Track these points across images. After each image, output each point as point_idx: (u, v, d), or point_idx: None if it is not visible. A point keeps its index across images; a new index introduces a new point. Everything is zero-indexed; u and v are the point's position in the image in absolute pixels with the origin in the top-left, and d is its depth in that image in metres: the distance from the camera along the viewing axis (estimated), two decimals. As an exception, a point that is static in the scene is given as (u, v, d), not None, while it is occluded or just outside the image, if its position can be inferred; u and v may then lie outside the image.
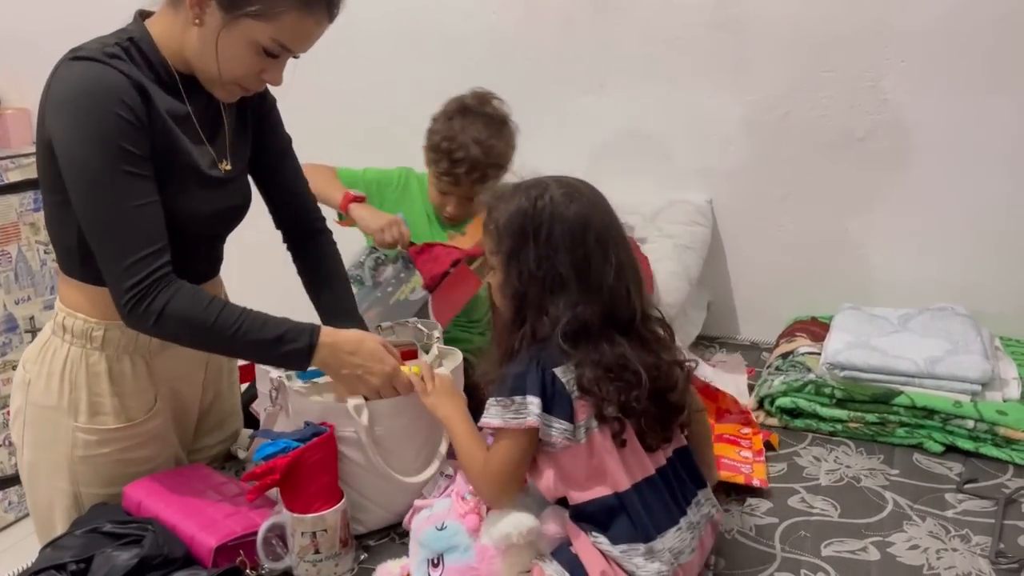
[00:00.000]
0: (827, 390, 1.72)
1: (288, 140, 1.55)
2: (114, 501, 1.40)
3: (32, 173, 2.80)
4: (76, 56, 1.23)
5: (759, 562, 1.30)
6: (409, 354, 1.58)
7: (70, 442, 1.39)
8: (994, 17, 1.93)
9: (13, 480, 2.87)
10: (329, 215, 1.67)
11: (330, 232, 1.62)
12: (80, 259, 1.33)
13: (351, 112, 2.32)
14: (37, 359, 1.41)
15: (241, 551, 1.27)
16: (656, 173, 2.31)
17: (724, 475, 1.45)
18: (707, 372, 1.69)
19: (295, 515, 1.26)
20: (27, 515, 2.78)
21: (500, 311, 1.24)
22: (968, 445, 1.61)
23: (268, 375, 1.41)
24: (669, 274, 2.01)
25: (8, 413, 2.86)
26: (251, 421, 1.70)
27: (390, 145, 2.09)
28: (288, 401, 1.39)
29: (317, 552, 1.26)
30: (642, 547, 1.11)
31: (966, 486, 1.50)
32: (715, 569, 1.28)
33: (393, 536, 1.38)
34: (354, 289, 1.65)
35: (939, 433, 1.64)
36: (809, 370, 1.81)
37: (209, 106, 1.38)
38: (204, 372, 1.54)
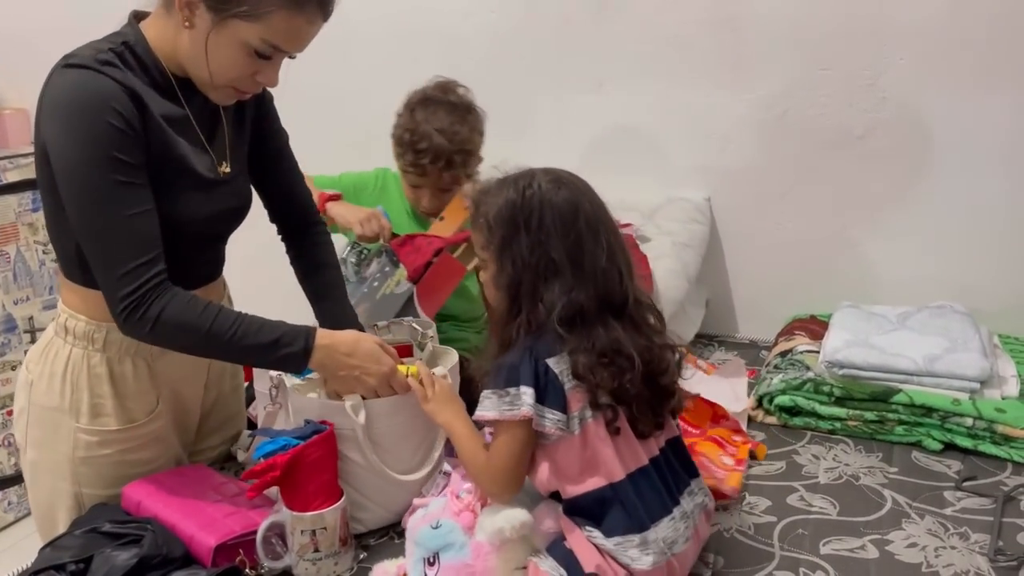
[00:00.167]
0: (826, 388, 1.72)
1: (285, 136, 1.54)
2: (115, 502, 1.40)
3: (30, 173, 2.80)
4: (69, 63, 1.22)
5: (758, 561, 1.30)
6: (404, 352, 1.59)
7: (71, 443, 1.39)
8: (992, 15, 1.93)
9: (12, 480, 2.87)
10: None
11: (324, 225, 1.62)
12: (80, 264, 1.33)
13: (350, 112, 2.32)
14: (40, 360, 1.41)
15: (240, 550, 1.27)
16: (655, 171, 2.31)
17: None
18: (701, 381, 1.69)
19: (294, 513, 1.26)
20: (27, 515, 2.79)
21: (493, 306, 1.24)
22: (967, 443, 1.61)
23: (267, 374, 1.41)
24: (668, 272, 2.02)
25: (8, 413, 2.88)
26: (248, 424, 1.70)
27: (390, 145, 2.08)
28: (288, 399, 1.39)
29: (317, 551, 1.26)
30: (636, 538, 1.12)
31: (965, 484, 1.50)
32: (714, 568, 1.28)
33: (392, 535, 1.38)
34: None
35: (938, 431, 1.64)
36: (808, 368, 1.81)
37: (207, 108, 1.37)
38: (206, 374, 1.54)
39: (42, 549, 1.30)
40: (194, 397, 1.53)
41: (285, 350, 1.29)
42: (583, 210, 1.16)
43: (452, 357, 1.50)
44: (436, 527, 1.20)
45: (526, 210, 1.16)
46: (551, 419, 1.12)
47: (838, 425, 1.70)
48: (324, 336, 1.33)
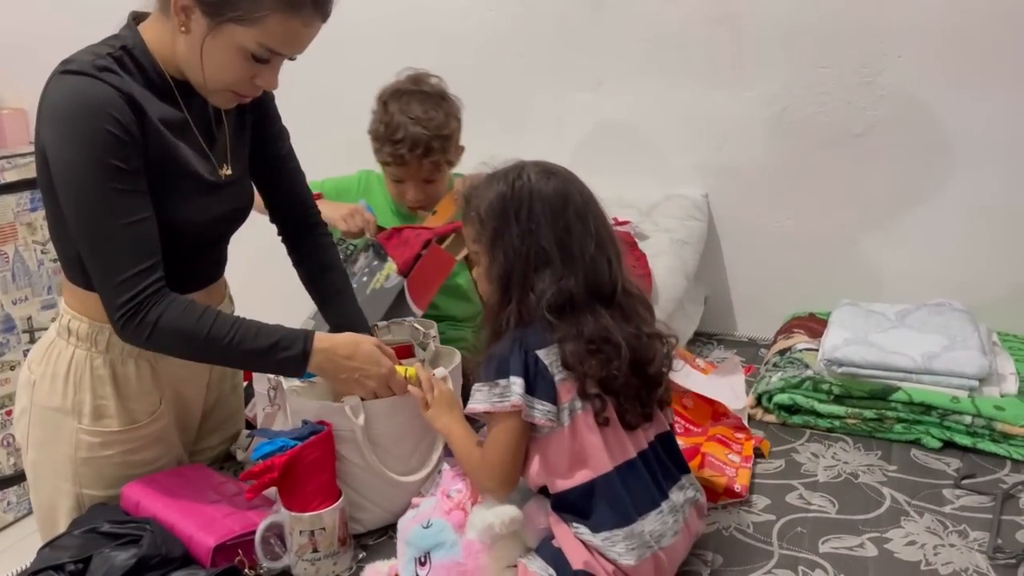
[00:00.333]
0: (825, 386, 1.72)
1: (287, 135, 1.54)
2: (116, 502, 1.40)
3: (29, 173, 2.80)
4: (66, 70, 1.22)
5: (757, 559, 1.30)
6: (405, 352, 1.58)
7: (73, 443, 1.39)
8: (990, 12, 1.93)
9: (12, 480, 2.86)
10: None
11: (325, 226, 1.62)
12: (81, 267, 1.33)
13: (349, 113, 2.31)
14: (42, 360, 1.41)
15: (239, 550, 1.27)
16: (653, 168, 2.31)
17: (708, 474, 1.45)
18: (699, 380, 1.69)
19: (293, 514, 1.26)
20: (26, 515, 2.79)
21: (485, 299, 1.25)
22: (966, 441, 1.61)
23: (266, 375, 1.41)
24: (666, 270, 2.01)
25: (7, 413, 2.88)
26: (246, 424, 1.70)
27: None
28: (286, 401, 1.39)
29: (315, 551, 1.26)
30: (622, 532, 1.12)
31: (964, 482, 1.50)
32: (712, 566, 1.28)
33: (391, 535, 1.37)
34: None
35: (937, 429, 1.64)
36: (807, 366, 1.81)
37: (207, 110, 1.37)
38: (208, 375, 1.54)
39: (41, 549, 1.30)
40: (196, 398, 1.53)
41: (283, 354, 1.29)
42: (572, 200, 1.18)
43: (454, 357, 1.50)
44: (427, 526, 1.20)
45: (516, 201, 1.17)
46: (540, 410, 1.13)
47: (837, 423, 1.70)
48: (322, 339, 1.33)
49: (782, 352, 1.92)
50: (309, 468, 1.28)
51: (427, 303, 1.73)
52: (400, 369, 1.37)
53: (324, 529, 1.26)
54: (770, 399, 1.76)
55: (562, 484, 1.15)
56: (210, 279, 1.48)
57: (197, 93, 1.32)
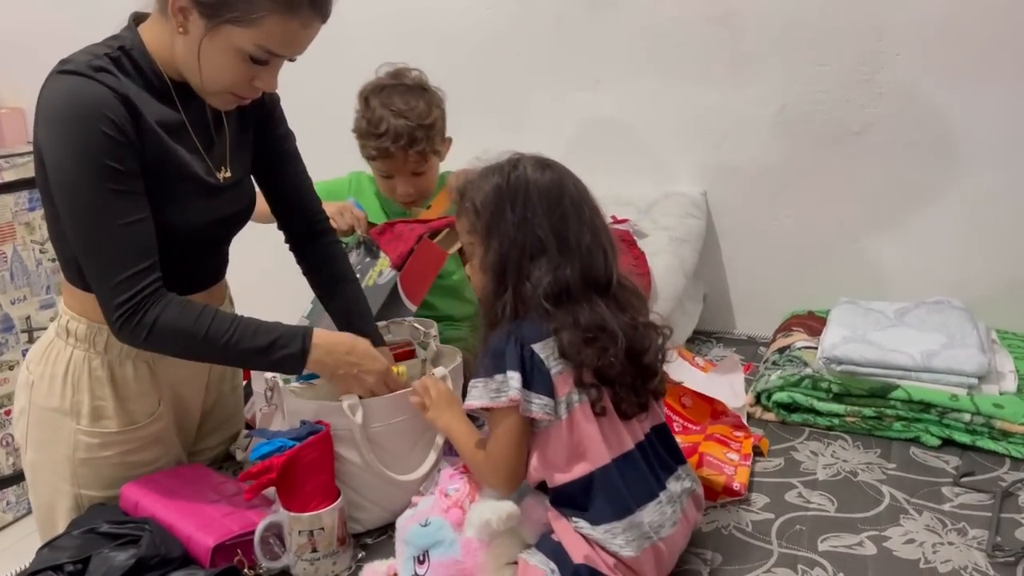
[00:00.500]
0: (824, 385, 1.72)
1: (292, 139, 1.52)
2: (115, 503, 1.39)
3: (27, 173, 2.80)
4: (62, 70, 1.21)
5: (756, 558, 1.30)
6: (405, 353, 1.58)
7: (72, 444, 1.39)
8: (989, 10, 1.93)
9: (11, 480, 2.86)
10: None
11: (334, 234, 1.61)
12: (79, 269, 1.33)
13: (348, 114, 2.31)
14: (41, 361, 1.41)
15: (239, 550, 1.27)
16: (652, 167, 2.31)
17: (707, 472, 1.45)
18: (698, 378, 1.69)
19: (292, 514, 1.26)
20: (25, 515, 2.79)
21: (479, 291, 1.24)
22: (965, 439, 1.61)
23: (263, 375, 1.41)
24: (665, 268, 2.01)
25: (7, 413, 2.88)
26: (245, 425, 1.70)
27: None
28: (283, 401, 1.39)
29: (315, 551, 1.26)
30: (621, 524, 1.13)
31: (963, 480, 1.50)
32: (712, 565, 1.28)
33: (390, 534, 1.37)
34: None
35: (936, 427, 1.64)
36: (806, 365, 1.81)
37: (206, 113, 1.36)
38: (207, 376, 1.54)
39: (40, 549, 1.30)
40: (195, 399, 1.53)
41: (282, 352, 1.29)
42: (568, 190, 1.19)
43: (455, 357, 1.50)
44: (425, 525, 1.20)
45: (512, 191, 1.18)
46: (538, 404, 1.13)
47: (836, 421, 1.70)
48: (321, 336, 1.33)
49: (781, 350, 1.92)
50: (308, 468, 1.28)
51: (421, 298, 1.73)
52: (393, 369, 1.38)
53: (323, 529, 1.26)
54: (769, 397, 1.76)
55: (561, 478, 1.15)
56: (210, 281, 1.47)
57: (196, 95, 1.31)
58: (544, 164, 1.21)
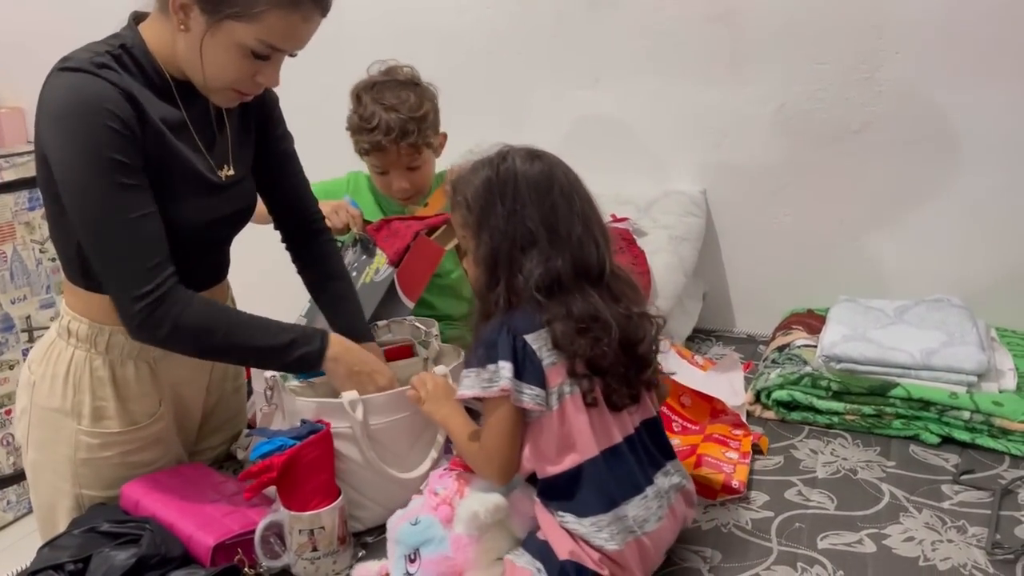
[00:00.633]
0: (823, 383, 1.72)
1: (291, 139, 1.53)
2: (115, 502, 1.40)
3: (26, 172, 2.80)
4: (64, 67, 1.21)
5: (755, 556, 1.30)
6: (405, 351, 1.59)
7: (73, 444, 1.39)
8: (988, 8, 1.92)
9: (12, 480, 2.87)
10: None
11: (329, 233, 1.61)
12: (81, 267, 1.33)
13: (347, 113, 2.31)
14: (42, 361, 1.41)
15: (239, 549, 1.27)
16: (651, 165, 2.31)
17: (705, 472, 1.45)
18: (697, 377, 1.69)
19: (292, 513, 1.26)
20: (26, 514, 2.79)
21: (474, 284, 1.25)
22: (964, 436, 1.61)
23: (263, 374, 1.41)
24: (665, 266, 2.02)
25: (7, 413, 2.88)
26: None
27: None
28: (283, 400, 1.39)
29: (315, 550, 1.26)
30: (607, 517, 1.13)
31: (962, 477, 1.50)
32: (711, 563, 1.28)
33: (391, 533, 1.38)
34: None
35: (935, 424, 1.64)
36: (805, 363, 1.81)
37: (208, 111, 1.36)
38: (208, 377, 1.54)
39: (40, 549, 1.30)
40: (196, 399, 1.53)
41: (301, 350, 1.31)
42: (558, 181, 1.19)
43: (457, 355, 1.50)
44: (415, 523, 1.20)
45: (501, 183, 1.18)
46: (529, 394, 1.13)
47: (836, 419, 1.70)
48: (336, 336, 1.37)
49: (781, 348, 1.92)
50: (308, 467, 1.28)
51: (418, 295, 1.73)
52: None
53: (323, 528, 1.26)
54: (769, 395, 1.76)
55: (550, 469, 1.15)
56: (212, 281, 1.47)
57: (199, 93, 1.31)
58: (534, 155, 1.21)
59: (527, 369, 1.14)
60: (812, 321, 2.03)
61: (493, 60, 2.37)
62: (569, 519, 1.14)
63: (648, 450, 1.22)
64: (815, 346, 1.85)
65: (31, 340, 2.83)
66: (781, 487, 1.49)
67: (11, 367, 2.82)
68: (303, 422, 1.33)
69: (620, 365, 1.17)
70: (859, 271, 2.17)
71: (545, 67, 2.35)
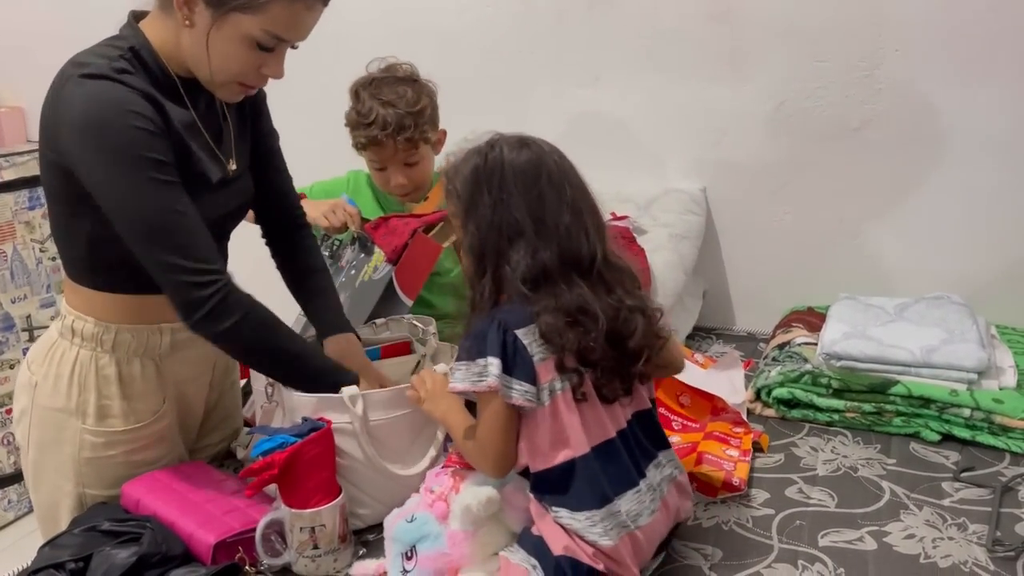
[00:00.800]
0: (824, 380, 1.72)
1: (277, 136, 1.54)
2: (117, 501, 1.40)
3: (26, 172, 2.79)
4: (85, 74, 1.20)
5: (756, 553, 1.30)
6: (403, 349, 1.59)
7: (77, 444, 1.39)
8: (987, 5, 1.92)
9: (13, 479, 2.87)
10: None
11: (310, 228, 1.62)
12: (91, 268, 1.33)
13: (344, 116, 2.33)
14: (44, 361, 1.41)
15: (240, 548, 1.27)
16: (651, 164, 2.31)
17: (706, 469, 1.45)
18: (698, 376, 1.69)
19: (293, 511, 1.26)
20: (26, 513, 2.79)
21: (465, 273, 1.24)
22: (964, 434, 1.61)
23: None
24: (665, 264, 2.01)
25: (8, 412, 2.88)
26: (244, 423, 1.70)
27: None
28: (283, 398, 1.39)
29: (316, 547, 1.26)
30: (600, 513, 1.12)
31: (962, 475, 1.50)
32: (712, 560, 1.28)
33: (391, 531, 1.38)
34: None
35: (935, 422, 1.64)
36: (806, 360, 1.81)
37: (211, 108, 1.37)
38: (211, 373, 1.54)
39: (41, 548, 1.30)
40: (198, 396, 1.54)
41: (342, 375, 1.36)
42: (546, 169, 1.17)
43: (455, 353, 1.50)
44: (411, 521, 1.20)
45: (488, 172, 1.16)
46: (519, 390, 1.12)
47: (836, 417, 1.70)
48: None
49: (781, 346, 1.92)
50: (309, 465, 1.28)
51: (416, 292, 1.73)
52: None
53: (324, 526, 1.26)
54: (769, 393, 1.77)
55: (544, 464, 1.15)
56: None
57: (200, 91, 1.32)
58: (522, 143, 1.19)
59: (517, 365, 1.12)
60: (812, 319, 2.03)
61: (493, 59, 2.37)
62: (563, 514, 1.13)
63: (640, 443, 1.21)
64: (815, 344, 1.85)
65: (31, 339, 2.83)
66: (782, 485, 1.49)
67: (11, 366, 2.81)
68: (304, 419, 1.33)
69: (608, 359, 1.15)
70: (859, 269, 2.17)
71: (545, 65, 2.35)
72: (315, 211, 1.76)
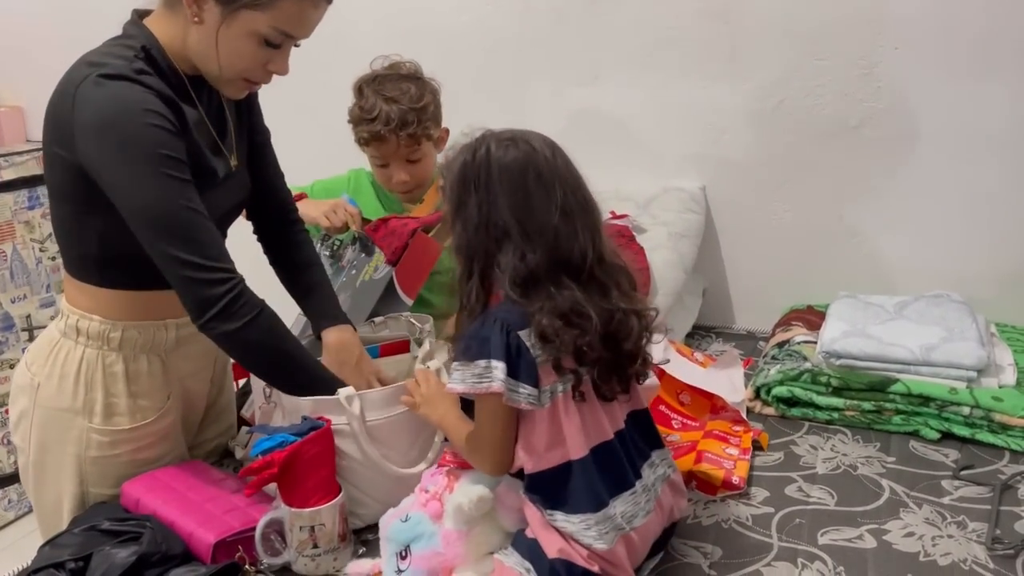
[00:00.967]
0: (823, 379, 1.72)
1: (268, 133, 1.55)
2: (117, 500, 1.40)
3: (26, 171, 2.80)
4: (104, 74, 1.20)
5: (756, 551, 1.30)
6: (401, 347, 1.59)
7: (83, 443, 1.39)
8: (987, 3, 1.92)
9: (13, 478, 2.87)
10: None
11: (302, 223, 1.62)
12: (99, 266, 1.33)
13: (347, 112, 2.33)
14: (47, 362, 1.40)
15: (240, 547, 1.27)
16: (650, 162, 2.30)
17: (706, 468, 1.45)
18: (697, 374, 1.69)
19: (293, 510, 1.26)
20: (26, 513, 2.79)
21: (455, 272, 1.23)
22: (964, 432, 1.61)
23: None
24: (665, 263, 2.02)
25: (7, 412, 2.88)
26: (242, 423, 1.70)
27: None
28: (282, 398, 1.39)
29: (315, 546, 1.26)
30: (595, 516, 1.12)
31: (962, 473, 1.50)
32: (711, 559, 1.28)
33: (391, 530, 1.38)
34: None
35: (935, 420, 1.64)
36: (805, 359, 1.81)
37: (213, 105, 1.38)
38: (213, 369, 1.56)
39: (41, 547, 1.30)
40: (201, 391, 1.55)
41: (339, 386, 1.35)
42: (535, 167, 1.13)
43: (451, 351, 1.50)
44: (405, 520, 1.21)
45: (475, 171, 1.14)
46: (524, 393, 1.11)
47: (836, 415, 1.70)
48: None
49: (780, 345, 1.92)
50: (309, 464, 1.28)
51: (416, 292, 1.73)
52: None
53: (324, 525, 1.26)
54: (768, 392, 1.76)
55: (539, 465, 1.14)
56: None
57: (205, 87, 1.33)
58: (512, 141, 1.15)
59: (521, 367, 1.11)
60: (812, 317, 2.03)
61: (493, 58, 2.37)
62: (558, 516, 1.13)
63: (636, 443, 1.21)
64: (815, 342, 1.85)
65: (31, 339, 2.83)
66: (781, 483, 1.49)
67: (11, 366, 2.81)
68: (304, 419, 1.33)
69: (605, 360, 1.14)
70: (859, 267, 2.17)
71: (544, 64, 2.35)
72: (316, 211, 1.76)
